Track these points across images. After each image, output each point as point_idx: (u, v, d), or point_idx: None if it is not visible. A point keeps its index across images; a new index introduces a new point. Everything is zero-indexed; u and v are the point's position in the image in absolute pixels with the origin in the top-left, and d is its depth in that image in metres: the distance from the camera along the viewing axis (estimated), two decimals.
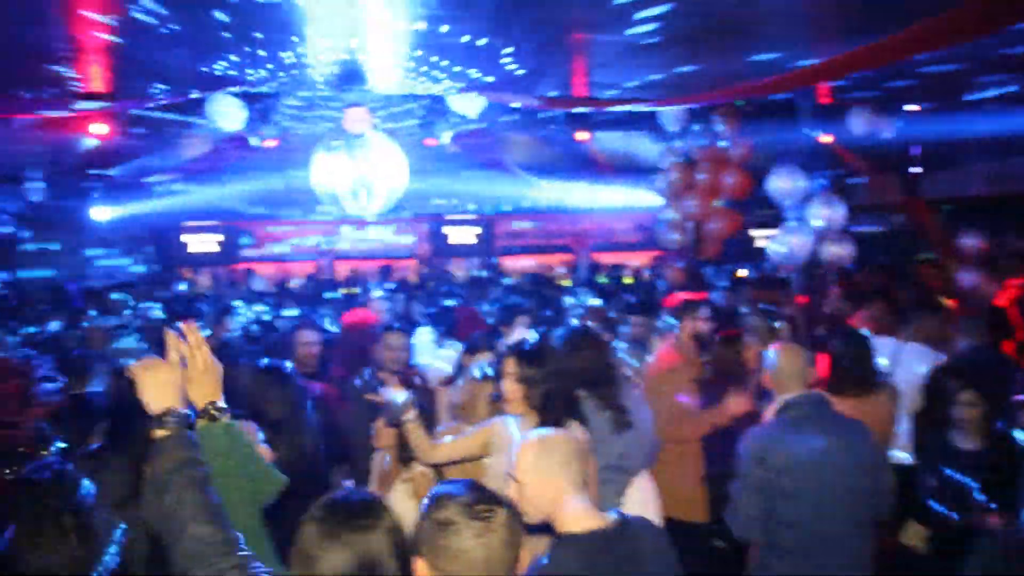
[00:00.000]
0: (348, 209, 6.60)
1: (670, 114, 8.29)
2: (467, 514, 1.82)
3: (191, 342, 2.05)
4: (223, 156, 10.36)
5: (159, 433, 1.91)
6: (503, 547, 1.82)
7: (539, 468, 2.46)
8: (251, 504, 2.00)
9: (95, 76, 6.29)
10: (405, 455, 3.85)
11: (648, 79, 7.10)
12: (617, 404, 3.65)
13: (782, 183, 7.23)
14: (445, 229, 16.42)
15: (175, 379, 1.98)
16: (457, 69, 5.95)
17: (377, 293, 9.59)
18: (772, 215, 9.85)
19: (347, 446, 4.85)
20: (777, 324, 5.65)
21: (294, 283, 13.81)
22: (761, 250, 12.70)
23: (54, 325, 6.94)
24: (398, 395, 3.50)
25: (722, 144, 8.62)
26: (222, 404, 2.02)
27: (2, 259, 11.54)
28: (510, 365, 3.39)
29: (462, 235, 16.56)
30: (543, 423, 3.19)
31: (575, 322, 5.89)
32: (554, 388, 3.32)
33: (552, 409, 3.24)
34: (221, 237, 15.79)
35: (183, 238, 15.36)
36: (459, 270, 16.33)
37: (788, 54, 6.21)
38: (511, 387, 3.36)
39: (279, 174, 12.42)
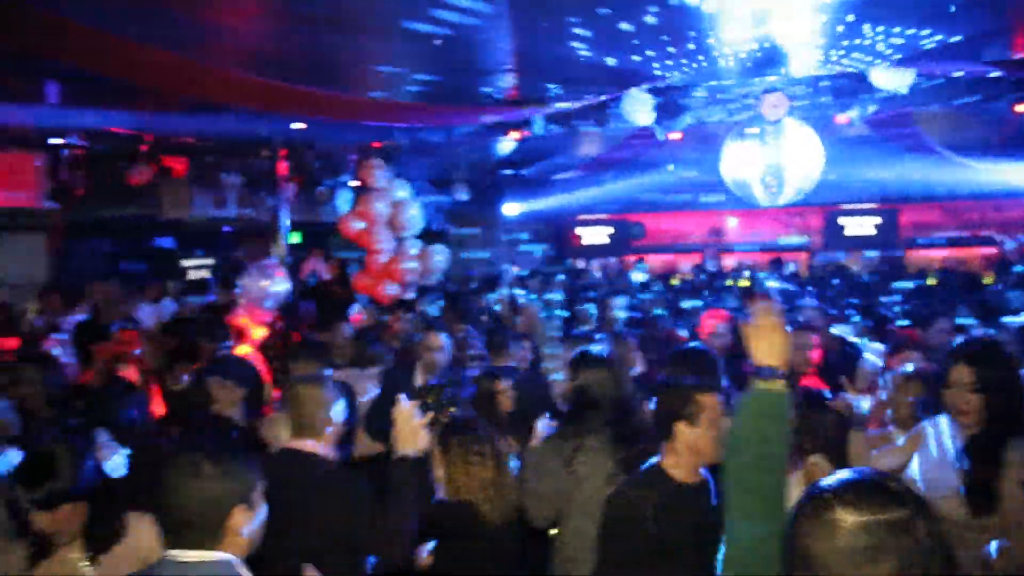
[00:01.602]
0: (758, 199, 6.41)
1: None
2: (810, 507, 1.51)
3: (770, 306, 2.08)
4: (620, 151, 10.79)
5: (761, 385, 2.00)
6: (847, 552, 1.46)
7: None
8: (777, 472, 2.02)
9: (518, 83, 6.94)
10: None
11: None
12: None
13: None
14: (840, 219, 15.31)
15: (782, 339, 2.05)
16: (893, 38, 5.41)
17: (772, 284, 9.27)
18: None
19: None
20: None
21: (678, 275, 13.97)
22: None
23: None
24: (862, 402, 3.34)
25: None
26: (782, 369, 2.01)
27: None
28: (963, 373, 2.93)
29: (859, 225, 15.31)
30: (988, 428, 2.83)
31: None
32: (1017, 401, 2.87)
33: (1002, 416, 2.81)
34: (611, 230, 16.61)
35: (577, 231, 16.46)
36: (854, 264, 15.11)
37: None
38: (964, 397, 2.92)
39: (671, 166, 12.58)
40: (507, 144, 10.24)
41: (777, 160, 6.18)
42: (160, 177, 8.95)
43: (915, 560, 1.46)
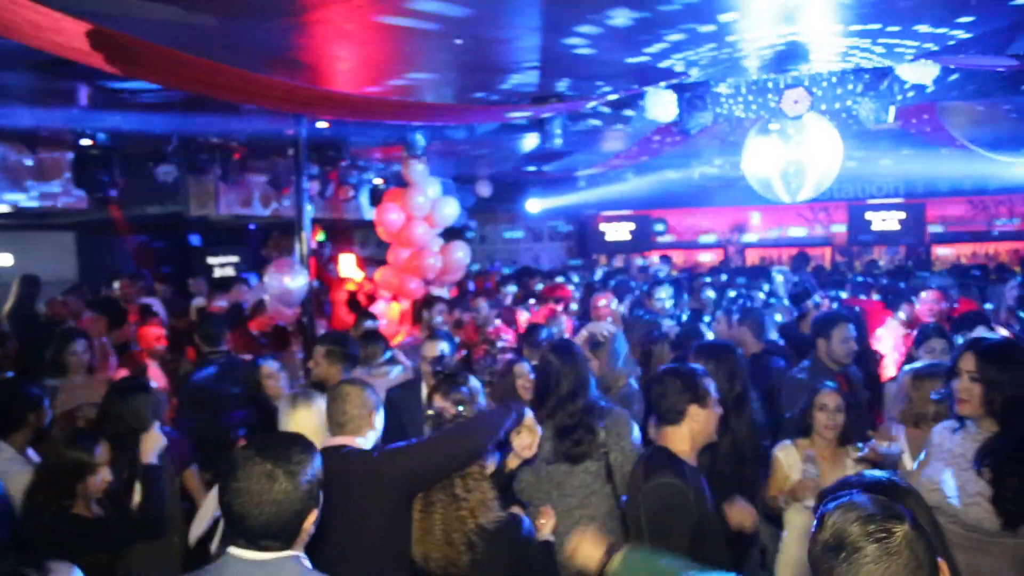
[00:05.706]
0: (778, 195, 6.39)
1: None
2: (862, 533, 1.54)
3: None
4: (643, 148, 10.76)
5: None
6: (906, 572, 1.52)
7: None
8: None
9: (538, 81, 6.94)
10: None
11: None
12: None
13: None
14: (867, 215, 15.20)
15: None
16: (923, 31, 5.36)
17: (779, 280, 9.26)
18: None
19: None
20: None
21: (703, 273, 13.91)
22: None
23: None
24: (892, 447, 3.41)
25: None
26: None
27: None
28: (968, 362, 3.03)
29: (885, 220, 15.19)
30: (1005, 431, 2.92)
31: None
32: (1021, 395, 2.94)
33: (1018, 418, 2.91)
34: (633, 226, 16.60)
35: (601, 227, 16.47)
36: (880, 258, 15.03)
37: None
38: (967, 387, 3.02)
39: (692, 163, 12.55)
40: (529, 141, 10.27)
41: (797, 157, 6.16)
42: (187, 176, 9.08)
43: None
